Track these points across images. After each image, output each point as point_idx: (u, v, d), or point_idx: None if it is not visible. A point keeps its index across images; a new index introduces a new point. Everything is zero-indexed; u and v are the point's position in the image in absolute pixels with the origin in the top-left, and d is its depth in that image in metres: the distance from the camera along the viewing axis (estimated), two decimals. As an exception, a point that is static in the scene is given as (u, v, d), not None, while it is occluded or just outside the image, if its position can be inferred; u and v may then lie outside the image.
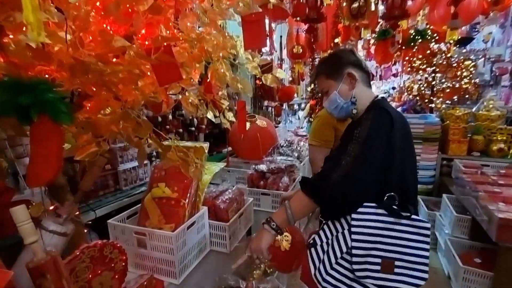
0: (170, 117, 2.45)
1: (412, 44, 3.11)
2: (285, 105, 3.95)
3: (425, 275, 0.86)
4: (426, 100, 3.11)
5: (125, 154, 1.88)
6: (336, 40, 3.16)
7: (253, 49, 1.04)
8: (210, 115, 1.16)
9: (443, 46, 3.09)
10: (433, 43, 2.94)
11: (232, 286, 1.19)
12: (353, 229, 0.88)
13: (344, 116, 1.05)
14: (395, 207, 0.85)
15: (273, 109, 3.80)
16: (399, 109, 3.73)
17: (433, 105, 3.09)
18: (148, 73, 0.85)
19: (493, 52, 4.29)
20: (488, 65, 4.32)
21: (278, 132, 2.73)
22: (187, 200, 1.33)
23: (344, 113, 1.03)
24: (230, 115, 1.21)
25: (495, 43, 4.55)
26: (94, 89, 0.78)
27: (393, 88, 6.34)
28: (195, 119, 2.69)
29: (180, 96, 1.08)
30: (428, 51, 2.97)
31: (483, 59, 4.11)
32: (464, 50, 3.63)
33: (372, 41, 3.91)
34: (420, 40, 2.97)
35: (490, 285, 1.66)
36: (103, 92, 0.78)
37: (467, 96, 3.13)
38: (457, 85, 2.90)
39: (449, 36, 2.93)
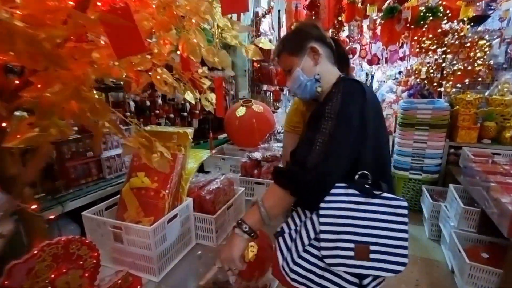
0: (160, 101, 2.31)
1: (422, 22, 2.87)
2: (285, 90, 3.77)
3: (405, 260, 0.76)
4: (435, 84, 2.90)
5: (109, 140, 1.76)
6: (340, 18, 2.92)
7: (232, 13, 0.88)
8: (189, 96, 1.01)
9: (455, 25, 2.84)
10: (445, 21, 2.70)
11: (221, 281, 1.10)
12: (321, 212, 0.79)
13: (308, 96, 0.95)
14: (367, 185, 0.77)
15: (271, 94, 3.63)
16: (405, 94, 3.53)
17: (442, 89, 2.88)
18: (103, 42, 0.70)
19: (509, 33, 4.00)
20: (503, 47, 4.04)
21: (276, 118, 2.58)
22: (167, 191, 1.22)
23: (308, 93, 0.94)
24: (212, 97, 1.06)
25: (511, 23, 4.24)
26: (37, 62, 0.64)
27: (400, 72, 6.07)
28: (187, 104, 2.54)
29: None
30: (440, 30, 2.74)
31: (498, 40, 3.84)
32: (478, 29, 3.37)
33: (378, 21, 3.66)
34: (431, 18, 2.73)
35: (498, 283, 1.54)
36: (49, 66, 0.64)
37: (479, 79, 2.92)
38: (469, 67, 2.69)
39: (463, 13, 2.70)
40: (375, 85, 11.13)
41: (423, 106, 2.69)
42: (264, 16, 2.89)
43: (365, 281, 0.78)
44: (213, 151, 2.37)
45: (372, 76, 11.86)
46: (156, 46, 0.78)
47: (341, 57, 1.44)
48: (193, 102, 1.00)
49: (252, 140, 2.23)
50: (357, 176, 0.78)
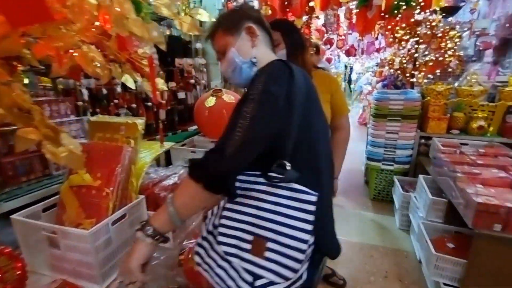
0: (120, 89, 2.12)
1: (396, 12, 2.83)
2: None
3: (297, 265, 0.66)
4: (408, 75, 2.90)
5: (56, 132, 1.57)
6: (311, 4, 2.81)
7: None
8: (128, 81, 0.87)
9: (428, 15, 2.84)
10: (418, 10, 2.68)
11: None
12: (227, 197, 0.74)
13: (243, 82, 0.85)
14: (280, 175, 0.67)
15: (246, 84, 3.49)
16: (379, 85, 3.52)
17: (414, 80, 2.89)
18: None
19: (479, 25, 4.09)
20: (473, 39, 4.15)
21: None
22: (112, 189, 1.08)
23: (243, 78, 0.83)
24: (160, 82, 0.92)
25: (481, 15, 4.35)
26: None
27: (377, 64, 6.12)
28: (152, 93, 2.36)
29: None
30: (413, 20, 2.72)
31: (468, 32, 3.92)
32: (450, 20, 3.40)
33: (354, 11, 3.60)
34: (404, 7, 2.70)
35: (463, 273, 1.55)
36: None
37: (449, 70, 2.96)
38: (440, 58, 2.70)
39: (436, 2, 2.69)
40: (354, 77, 11.28)
41: (395, 96, 2.68)
42: (236, 0, 2.73)
43: (258, 283, 0.68)
44: (181, 143, 2.23)
45: (351, 68, 11.99)
46: (71, 15, 0.63)
47: (297, 44, 1.35)
48: (133, 87, 0.86)
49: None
50: (274, 165, 0.69)
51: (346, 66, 11.65)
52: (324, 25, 4.94)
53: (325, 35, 5.25)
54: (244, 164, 0.67)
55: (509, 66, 3.40)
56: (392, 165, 2.85)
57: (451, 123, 2.64)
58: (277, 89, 0.67)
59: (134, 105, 2.22)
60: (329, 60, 6.40)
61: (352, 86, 11.15)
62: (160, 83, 1.12)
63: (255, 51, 0.82)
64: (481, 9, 4.45)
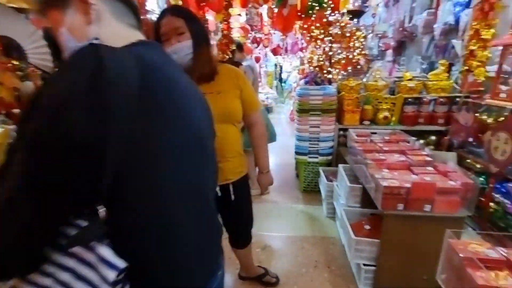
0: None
1: (310, 12, 3.00)
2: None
3: None
4: (325, 71, 3.11)
5: None
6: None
7: None
8: None
9: (339, 17, 3.08)
10: (329, 11, 2.88)
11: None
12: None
13: None
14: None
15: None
16: (302, 82, 3.69)
17: (330, 76, 3.11)
18: None
19: (380, 29, 4.71)
20: (376, 40, 4.75)
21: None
22: None
23: None
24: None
25: (382, 20, 5.01)
26: None
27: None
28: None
29: None
30: (325, 20, 2.91)
31: (372, 34, 4.47)
32: (357, 22, 3.80)
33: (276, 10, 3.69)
34: (317, 8, 2.87)
35: (377, 251, 1.69)
36: None
37: (358, 67, 3.29)
38: (350, 56, 2.96)
39: (343, 4, 2.92)
40: (284, 76, 11.83)
41: (315, 92, 2.83)
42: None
43: None
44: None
45: (281, 67, 12.57)
46: None
47: (202, 35, 1.23)
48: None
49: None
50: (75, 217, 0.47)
51: (276, 65, 12.15)
52: (249, 24, 4.99)
53: (251, 33, 5.31)
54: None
55: (404, 64, 3.98)
56: (317, 157, 3.01)
57: (363, 115, 2.91)
58: (71, 106, 0.42)
59: None
60: (257, 59, 6.52)
61: (283, 84, 11.69)
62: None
63: (95, 29, 0.56)
64: (381, 15, 5.12)
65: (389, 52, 4.73)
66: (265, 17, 4.63)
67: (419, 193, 1.55)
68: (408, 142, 2.33)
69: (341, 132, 3.03)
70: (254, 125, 1.43)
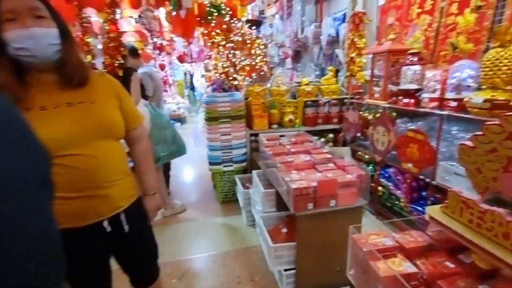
0: None
1: (210, 18, 2.93)
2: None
3: None
4: (231, 78, 3.08)
5: None
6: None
7: None
8: None
9: (239, 24, 3.12)
10: (228, 18, 2.88)
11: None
12: None
13: None
14: None
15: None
16: (209, 89, 3.58)
17: (236, 83, 3.10)
18: None
19: (278, 39, 5.10)
20: (276, 49, 5.12)
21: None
22: None
23: None
24: None
25: (279, 31, 5.44)
26: None
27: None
28: None
29: None
30: (225, 26, 2.89)
31: (271, 43, 4.79)
32: (256, 31, 3.97)
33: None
34: (216, 14, 2.82)
35: (295, 254, 1.69)
36: None
37: (262, 73, 3.42)
38: (253, 63, 3.03)
39: (240, 13, 2.96)
40: (196, 85, 11.53)
41: (222, 99, 2.75)
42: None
43: None
44: None
45: (192, 75, 12.23)
46: None
47: (66, 29, 0.99)
48: None
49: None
50: None
51: (185, 74, 11.74)
52: (147, 28, 4.59)
53: (153, 39, 4.90)
54: None
55: (301, 70, 4.39)
56: (232, 165, 2.93)
57: (271, 119, 3.01)
58: None
59: None
60: (162, 67, 6.08)
61: (195, 93, 11.38)
62: None
63: None
64: (278, 26, 5.55)
65: (288, 60, 5.16)
66: (165, 22, 4.33)
67: (324, 190, 1.63)
68: (311, 141, 2.50)
69: (253, 138, 3.05)
70: (138, 140, 1.20)
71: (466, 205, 0.92)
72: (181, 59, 5.70)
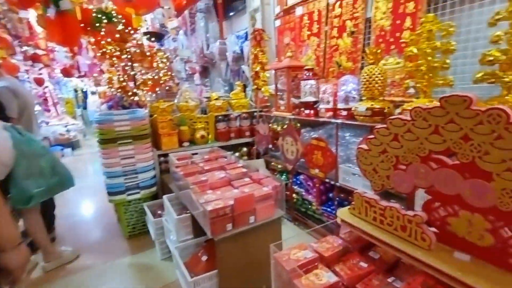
0: None
1: (98, 25, 2.53)
2: None
3: None
4: (130, 94, 2.72)
5: None
6: None
7: None
8: None
9: (136, 35, 2.82)
10: (122, 27, 2.55)
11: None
12: None
13: None
14: None
15: None
16: (104, 106, 3.08)
17: (137, 99, 2.76)
18: None
19: (184, 54, 4.95)
20: (182, 64, 4.94)
21: None
22: None
23: None
24: None
25: (184, 46, 5.30)
26: None
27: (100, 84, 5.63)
28: None
29: None
30: (118, 36, 2.55)
31: (177, 57, 4.60)
32: (157, 44, 3.71)
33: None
34: (106, 21, 2.46)
35: (218, 281, 1.52)
36: None
37: (167, 88, 3.18)
38: (156, 77, 2.78)
39: (136, 22, 2.69)
40: (93, 104, 9.92)
41: (120, 117, 2.37)
42: None
43: None
44: None
45: (85, 93, 10.54)
46: None
47: None
48: None
49: None
50: None
51: (76, 90, 10.04)
52: (14, 34, 3.65)
53: (23, 48, 3.94)
54: None
55: (209, 85, 4.35)
56: (138, 192, 2.54)
57: (181, 136, 2.78)
58: None
59: None
60: (39, 81, 4.96)
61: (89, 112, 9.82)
62: None
63: None
64: (183, 41, 5.40)
65: (197, 75, 5.05)
66: (39, 28, 3.54)
67: (242, 207, 1.54)
68: (225, 157, 2.42)
69: (162, 158, 2.75)
70: None
71: (370, 204, 0.99)
72: (66, 72, 4.77)
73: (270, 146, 2.99)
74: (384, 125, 0.93)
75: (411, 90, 1.87)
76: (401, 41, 1.99)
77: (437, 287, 0.78)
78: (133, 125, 2.38)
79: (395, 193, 1.59)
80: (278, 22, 3.27)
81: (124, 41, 2.56)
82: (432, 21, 1.45)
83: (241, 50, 3.87)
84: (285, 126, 2.71)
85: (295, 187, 2.69)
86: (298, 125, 2.73)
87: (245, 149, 3.29)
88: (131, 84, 2.79)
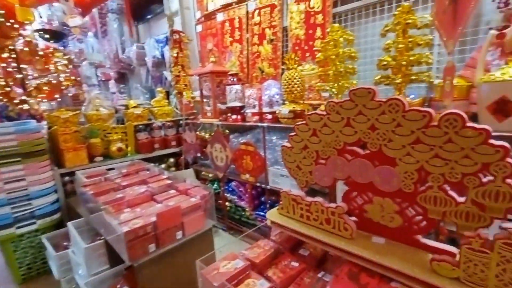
0: None
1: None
2: None
3: None
4: (17, 101, 2.19)
5: None
6: None
7: None
8: None
9: (23, 31, 2.30)
10: (2, 19, 2.05)
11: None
12: None
13: None
14: None
15: None
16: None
17: (28, 107, 2.25)
18: None
19: (95, 58, 4.36)
20: (93, 69, 4.34)
21: None
22: None
23: None
24: None
25: (95, 50, 4.68)
26: None
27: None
28: None
29: None
30: (-4, 30, 2.04)
31: (85, 62, 4.02)
32: (55, 43, 3.16)
33: None
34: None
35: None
36: None
37: (71, 95, 2.71)
38: (55, 82, 2.32)
39: (22, 15, 2.20)
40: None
41: (4, 130, 1.87)
42: None
43: None
44: None
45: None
46: None
47: None
48: None
49: None
50: None
51: None
52: None
53: None
54: None
55: (125, 92, 3.94)
56: (35, 222, 2.04)
57: (91, 150, 2.39)
58: None
59: None
60: None
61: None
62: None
63: None
64: (93, 45, 4.78)
65: (112, 82, 4.52)
66: None
67: (167, 222, 1.38)
68: (148, 170, 2.18)
69: (67, 178, 2.30)
70: None
71: (296, 201, 0.98)
72: None
73: (199, 154, 2.85)
74: (304, 121, 0.94)
75: (326, 94, 2.04)
76: (314, 49, 2.17)
77: (361, 274, 0.81)
78: (21, 140, 1.91)
79: (320, 190, 1.68)
80: (199, 28, 3.20)
81: (5, 36, 2.05)
82: (338, 30, 1.60)
83: (162, 55, 3.64)
84: (213, 133, 2.62)
85: (228, 194, 2.61)
86: (227, 131, 2.68)
87: (172, 159, 3.06)
88: (19, 90, 2.26)
